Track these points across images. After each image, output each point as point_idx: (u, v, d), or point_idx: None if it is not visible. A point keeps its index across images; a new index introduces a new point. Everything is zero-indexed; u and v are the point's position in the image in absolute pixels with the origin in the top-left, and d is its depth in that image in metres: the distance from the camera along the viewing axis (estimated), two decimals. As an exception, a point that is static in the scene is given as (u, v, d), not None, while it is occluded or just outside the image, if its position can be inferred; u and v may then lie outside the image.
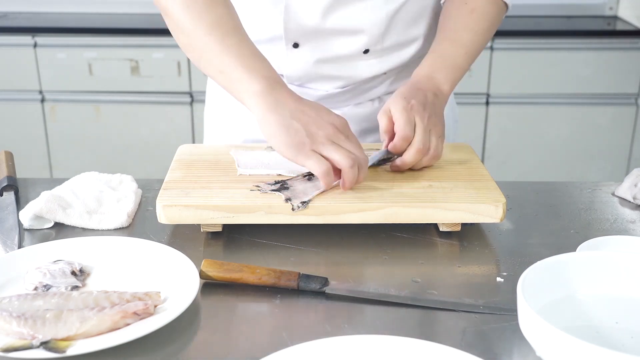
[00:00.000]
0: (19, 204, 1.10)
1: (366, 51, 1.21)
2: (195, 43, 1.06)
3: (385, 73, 1.25)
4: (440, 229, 1.01)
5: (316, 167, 0.95)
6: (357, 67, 1.22)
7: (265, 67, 1.03)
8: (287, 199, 0.97)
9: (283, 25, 1.18)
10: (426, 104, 1.07)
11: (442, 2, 1.23)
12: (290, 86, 1.24)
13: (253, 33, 1.19)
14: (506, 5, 1.20)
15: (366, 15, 1.17)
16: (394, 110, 1.05)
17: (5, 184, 1.14)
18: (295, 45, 1.20)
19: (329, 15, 1.17)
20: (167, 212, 0.97)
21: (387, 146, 1.07)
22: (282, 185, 1.01)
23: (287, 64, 1.23)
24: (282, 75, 1.25)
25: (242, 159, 1.10)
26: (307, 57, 1.21)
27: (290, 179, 1.03)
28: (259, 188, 1.01)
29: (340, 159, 0.95)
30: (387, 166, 1.08)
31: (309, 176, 1.04)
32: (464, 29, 1.17)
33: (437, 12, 1.25)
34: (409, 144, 1.05)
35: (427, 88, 1.10)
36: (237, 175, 1.06)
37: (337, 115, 1.02)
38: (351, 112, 1.28)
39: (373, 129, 1.30)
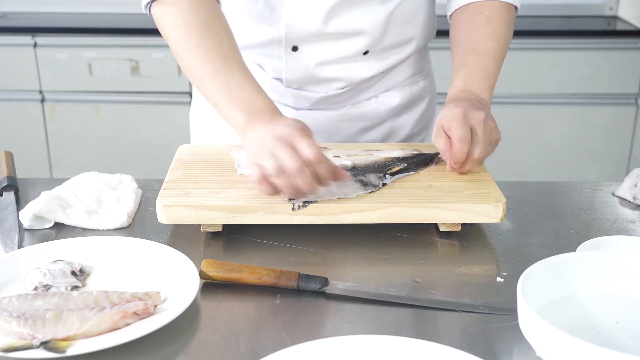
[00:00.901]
0: (19, 204, 1.10)
1: (366, 52, 1.21)
2: (190, 72, 1.08)
3: (382, 72, 1.26)
4: (440, 229, 1.01)
5: (271, 170, 0.92)
6: (356, 69, 1.23)
7: (249, 97, 1.02)
8: (290, 199, 0.97)
9: (284, 29, 1.18)
10: (479, 115, 1.06)
11: (449, 14, 1.24)
12: (288, 90, 1.25)
13: (251, 38, 1.21)
14: (516, 7, 1.22)
15: (366, 17, 1.18)
16: (447, 122, 1.05)
17: (5, 184, 1.14)
18: (295, 49, 1.20)
19: (331, 20, 1.17)
20: (167, 212, 0.97)
21: (451, 166, 1.05)
22: None
23: (286, 67, 1.22)
24: (279, 79, 1.25)
25: (242, 159, 1.10)
26: (307, 60, 1.21)
27: None
28: None
29: (286, 161, 0.92)
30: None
31: None
32: (487, 38, 1.18)
33: (430, 12, 1.26)
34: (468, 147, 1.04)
35: (471, 99, 1.11)
36: (237, 175, 1.06)
37: (295, 122, 0.97)
38: (349, 112, 1.28)
39: (370, 127, 1.30)
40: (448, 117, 1.05)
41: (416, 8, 1.23)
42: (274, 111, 1.02)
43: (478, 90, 1.14)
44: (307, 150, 0.92)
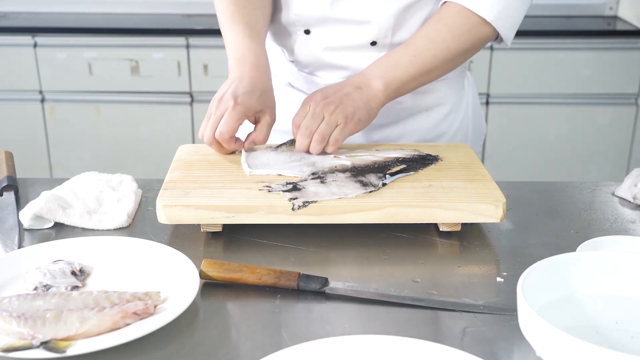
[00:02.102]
0: (19, 204, 1.10)
1: (374, 43, 1.21)
2: (219, 20, 1.24)
3: None
4: (440, 229, 1.01)
5: (206, 138, 1.10)
6: (364, 59, 1.23)
7: (240, 47, 1.16)
8: (290, 199, 0.97)
9: (294, 11, 1.22)
10: (333, 96, 1.11)
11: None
12: (300, 74, 1.29)
13: (273, 18, 1.26)
14: (488, 24, 1.15)
15: (374, 7, 1.19)
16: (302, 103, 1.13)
17: (5, 184, 1.14)
18: (307, 32, 1.23)
19: (337, 4, 1.19)
20: (167, 212, 0.97)
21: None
22: (294, 187, 1.01)
23: (298, 50, 1.26)
24: (292, 61, 1.29)
25: (249, 159, 1.10)
26: (316, 43, 1.24)
27: (303, 180, 1.03)
28: (269, 188, 1.01)
29: (204, 129, 1.09)
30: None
31: (321, 178, 1.03)
32: (421, 35, 1.16)
33: None
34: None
35: (350, 83, 1.14)
36: (247, 175, 1.05)
37: (242, 95, 1.09)
38: None
39: (381, 125, 1.29)
40: (304, 101, 1.14)
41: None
42: (253, 65, 1.13)
43: (372, 76, 1.14)
44: (220, 125, 1.08)
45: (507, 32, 1.19)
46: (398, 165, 1.08)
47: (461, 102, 1.35)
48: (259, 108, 1.11)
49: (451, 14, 1.15)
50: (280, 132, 1.31)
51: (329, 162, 1.09)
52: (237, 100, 1.08)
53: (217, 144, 1.10)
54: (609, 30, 2.94)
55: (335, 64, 1.25)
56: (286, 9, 1.23)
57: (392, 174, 1.05)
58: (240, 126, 1.10)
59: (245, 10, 1.20)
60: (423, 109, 1.30)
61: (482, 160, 1.18)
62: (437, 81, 1.27)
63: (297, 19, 1.23)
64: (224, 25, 1.21)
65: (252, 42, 1.16)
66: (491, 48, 2.76)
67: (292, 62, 1.30)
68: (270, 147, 1.15)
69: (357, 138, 1.26)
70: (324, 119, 1.10)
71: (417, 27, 1.21)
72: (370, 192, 1.00)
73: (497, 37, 1.21)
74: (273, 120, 1.13)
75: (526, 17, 1.22)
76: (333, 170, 1.06)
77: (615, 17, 3.11)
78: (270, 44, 1.32)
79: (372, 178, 1.03)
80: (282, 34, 1.27)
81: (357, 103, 1.11)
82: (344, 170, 1.06)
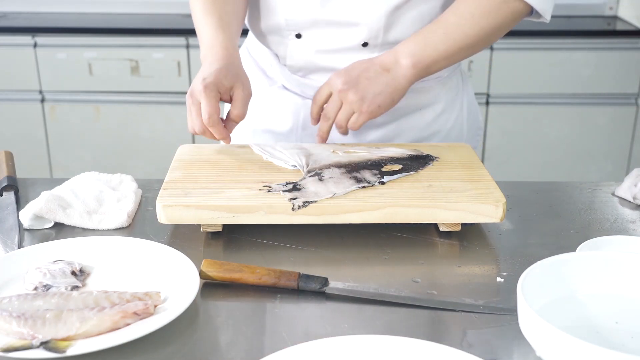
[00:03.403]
0: (19, 204, 1.10)
1: (365, 44, 1.21)
2: (192, 17, 1.24)
3: None
4: (440, 229, 1.01)
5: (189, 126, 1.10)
6: (355, 60, 1.23)
7: (210, 37, 1.17)
8: (290, 199, 0.97)
9: (283, 16, 1.21)
10: (359, 77, 1.13)
11: None
12: (293, 77, 1.29)
13: (264, 24, 1.25)
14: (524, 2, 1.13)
15: (363, 8, 1.18)
16: (324, 83, 1.16)
17: (5, 184, 1.14)
18: (298, 36, 1.23)
19: (327, 6, 1.19)
20: (167, 212, 0.97)
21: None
22: (294, 187, 1.01)
23: (291, 54, 1.26)
24: (285, 65, 1.29)
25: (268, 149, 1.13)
26: (308, 47, 1.24)
27: (302, 179, 1.03)
28: (269, 188, 1.01)
29: (191, 123, 1.09)
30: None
31: (318, 175, 1.03)
32: (451, 12, 1.15)
33: None
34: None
35: (379, 61, 1.14)
36: (247, 171, 1.06)
37: (210, 75, 1.08)
38: None
39: (375, 125, 1.29)
40: (327, 81, 1.17)
41: (433, 7, 1.21)
42: (221, 48, 1.14)
43: (402, 54, 1.14)
44: (203, 112, 1.06)
45: (542, 4, 1.15)
46: (392, 164, 1.08)
47: (455, 100, 1.35)
48: (228, 84, 1.09)
49: None
50: (276, 134, 1.32)
51: (326, 155, 1.10)
52: (205, 82, 1.07)
53: (210, 131, 1.09)
54: (609, 30, 2.94)
55: (327, 67, 1.25)
56: (277, 14, 1.23)
57: (392, 174, 1.05)
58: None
59: (217, 4, 1.20)
60: (416, 108, 1.30)
61: (482, 160, 1.18)
62: (430, 80, 1.27)
63: (288, 23, 1.22)
64: (196, 19, 1.22)
65: (221, 33, 1.17)
66: (491, 48, 2.76)
67: (285, 66, 1.29)
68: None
69: (349, 139, 1.27)
70: (341, 105, 1.13)
71: (410, 26, 1.20)
72: (363, 187, 1.00)
73: (532, 12, 1.17)
74: (248, 94, 1.12)
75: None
76: (329, 166, 1.06)
77: (615, 17, 3.11)
78: (263, 49, 1.32)
79: (366, 174, 1.04)
80: (274, 39, 1.27)
81: (379, 87, 1.13)
82: (339, 165, 1.06)
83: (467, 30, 1.14)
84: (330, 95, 1.16)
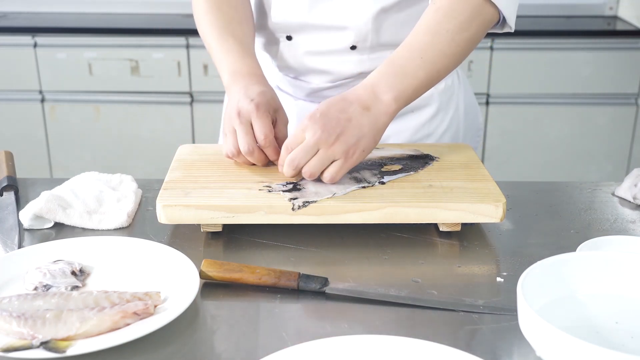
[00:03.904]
0: (19, 204, 1.10)
1: (353, 47, 1.21)
2: (204, 39, 1.23)
3: None
4: (440, 229, 1.01)
5: (225, 145, 1.07)
6: (345, 63, 1.23)
7: (233, 60, 1.15)
8: (291, 198, 0.97)
9: (272, 19, 1.23)
10: (335, 123, 0.97)
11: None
12: (286, 78, 1.30)
13: (260, 24, 1.27)
14: (494, 5, 1.05)
15: (350, 11, 1.19)
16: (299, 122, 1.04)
17: (5, 184, 1.14)
18: (289, 38, 1.24)
19: (314, 10, 1.19)
20: (167, 212, 0.97)
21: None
22: (294, 187, 1.01)
23: (282, 55, 1.27)
24: (277, 66, 1.30)
25: None
26: (298, 49, 1.25)
27: (302, 179, 1.03)
28: (269, 188, 1.01)
29: (240, 142, 1.04)
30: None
31: (320, 176, 1.04)
32: (423, 30, 1.04)
33: None
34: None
35: (357, 99, 1.00)
36: (247, 174, 1.05)
37: (261, 97, 1.06)
38: None
39: None
40: (302, 120, 1.00)
41: (423, 10, 1.15)
42: (252, 75, 1.12)
43: (381, 89, 1.01)
44: (258, 132, 1.03)
45: (509, 9, 1.07)
46: (392, 164, 1.08)
47: (450, 101, 1.34)
48: (275, 106, 1.09)
49: (449, 0, 1.04)
50: None
51: None
52: (256, 102, 1.04)
53: (259, 152, 1.04)
54: (609, 30, 2.94)
55: (317, 69, 1.26)
56: (268, 16, 1.25)
57: (392, 174, 1.05)
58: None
59: (232, 26, 1.19)
60: (409, 110, 1.29)
61: (482, 160, 1.17)
62: None
63: (278, 25, 1.24)
64: (212, 42, 1.18)
65: (248, 57, 1.15)
66: (491, 48, 2.76)
67: (278, 67, 1.31)
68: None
69: None
70: (317, 152, 0.98)
71: (400, 28, 1.20)
72: (364, 187, 1.00)
73: (499, 22, 1.10)
74: (287, 119, 1.11)
75: (526, 17, 1.21)
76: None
77: (615, 17, 3.11)
78: (258, 50, 1.33)
79: (366, 174, 1.04)
80: (268, 40, 1.29)
81: (362, 129, 0.99)
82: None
83: (445, 49, 1.04)
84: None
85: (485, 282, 0.91)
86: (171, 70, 2.81)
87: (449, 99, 1.34)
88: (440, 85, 1.31)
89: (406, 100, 1.04)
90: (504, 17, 1.08)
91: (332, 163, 0.99)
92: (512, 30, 1.11)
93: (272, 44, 1.28)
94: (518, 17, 1.13)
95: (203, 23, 1.21)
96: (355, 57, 1.23)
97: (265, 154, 1.06)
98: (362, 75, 1.24)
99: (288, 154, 0.99)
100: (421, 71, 1.03)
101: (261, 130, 1.03)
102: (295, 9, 1.21)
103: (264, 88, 1.10)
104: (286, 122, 1.11)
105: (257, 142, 1.04)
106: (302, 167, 0.99)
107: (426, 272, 0.93)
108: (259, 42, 1.31)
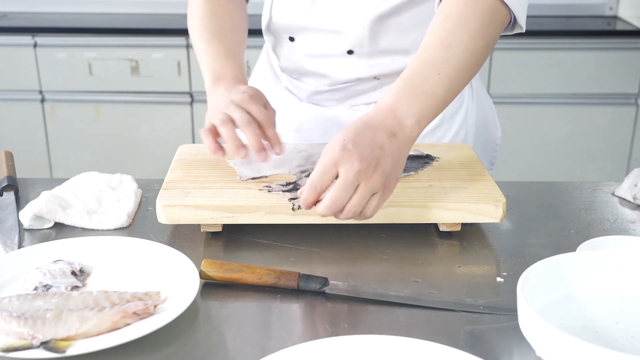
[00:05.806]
0: (19, 204, 1.10)
1: (350, 52, 1.21)
2: (194, 43, 1.23)
3: (378, 78, 1.24)
4: (440, 229, 1.01)
5: (218, 122, 1.03)
6: (342, 67, 1.23)
7: (217, 65, 1.14)
8: (291, 198, 0.97)
9: (272, 20, 1.25)
10: (369, 153, 0.87)
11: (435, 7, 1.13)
12: (288, 78, 1.32)
13: (267, 25, 1.29)
14: (505, 5, 1.00)
15: (347, 16, 1.19)
16: (323, 152, 0.89)
17: (5, 184, 1.14)
18: (292, 39, 1.25)
19: (313, 11, 1.20)
20: (167, 212, 0.97)
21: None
22: (294, 187, 1.01)
23: (284, 56, 1.28)
24: (280, 67, 1.31)
25: (241, 167, 1.08)
26: (298, 50, 1.26)
27: (302, 179, 1.03)
28: (269, 188, 1.01)
29: (237, 117, 1.02)
30: None
31: None
32: (435, 42, 0.97)
33: None
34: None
35: (382, 126, 0.91)
36: (238, 179, 1.05)
37: (251, 90, 1.06)
38: (345, 113, 1.29)
39: None
40: (329, 145, 0.89)
41: (425, 19, 1.15)
42: (236, 78, 1.12)
43: (403, 114, 0.93)
44: (257, 113, 1.03)
45: (520, 9, 1.03)
46: None
47: (457, 113, 1.30)
48: (264, 100, 1.07)
49: (457, 7, 0.97)
50: None
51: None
52: (248, 94, 1.04)
53: (256, 124, 1.02)
54: (609, 30, 2.94)
55: (315, 72, 1.26)
56: (271, 17, 1.26)
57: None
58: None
59: (223, 33, 1.19)
60: None
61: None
62: None
63: (280, 25, 1.25)
64: (201, 45, 1.18)
65: (232, 62, 1.15)
66: (491, 48, 2.76)
67: (281, 68, 1.32)
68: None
69: None
70: (357, 187, 0.87)
71: (399, 35, 1.19)
72: None
73: (510, 23, 1.05)
74: (275, 111, 1.09)
75: (526, 17, 1.20)
76: None
77: (615, 17, 3.11)
78: (267, 51, 1.37)
79: None
80: (272, 40, 1.30)
81: (394, 157, 0.90)
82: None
83: (461, 61, 0.96)
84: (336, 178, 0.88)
85: (485, 282, 0.91)
86: (171, 70, 2.81)
87: (455, 110, 1.30)
88: None
89: (428, 121, 0.96)
90: (514, 18, 1.04)
91: (371, 197, 0.89)
92: (523, 31, 1.06)
93: (277, 44, 1.29)
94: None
95: (195, 28, 1.21)
96: (353, 62, 1.22)
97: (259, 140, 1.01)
98: (360, 80, 1.24)
99: (315, 192, 0.87)
100: (440, 88, 0.95)
101: (259, 111, 1.03)
102: (295, 10, 1.21)
103: (247, 87, 1.09)
104: (275, 113, 1.08)
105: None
106: (343, 208, 0.88)
107: (426, 272, 0.93)
108: (268, 42, 1.33)
